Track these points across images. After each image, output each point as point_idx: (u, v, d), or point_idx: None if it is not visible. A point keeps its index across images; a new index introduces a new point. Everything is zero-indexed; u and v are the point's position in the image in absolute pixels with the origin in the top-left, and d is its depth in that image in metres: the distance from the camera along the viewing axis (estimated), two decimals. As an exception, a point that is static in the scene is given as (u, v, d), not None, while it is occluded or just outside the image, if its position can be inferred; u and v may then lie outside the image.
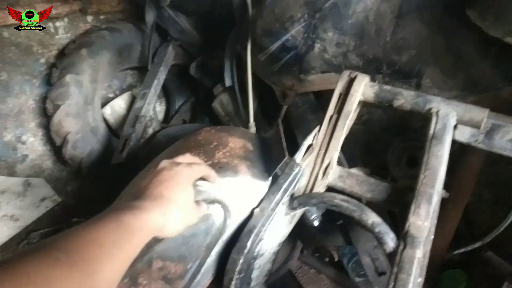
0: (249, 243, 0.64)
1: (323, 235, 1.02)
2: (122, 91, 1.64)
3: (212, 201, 0.66)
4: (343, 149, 0.71)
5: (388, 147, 0.95)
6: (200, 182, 0.64)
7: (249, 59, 1.09)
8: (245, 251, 0.64)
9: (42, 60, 1.39)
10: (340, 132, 0.69)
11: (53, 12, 1.34)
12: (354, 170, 0.69)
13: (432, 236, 0.58)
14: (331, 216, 0.98)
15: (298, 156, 0.69)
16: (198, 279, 0.67)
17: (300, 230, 0.85)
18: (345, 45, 0.92)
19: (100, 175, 1.36)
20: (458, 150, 0.92)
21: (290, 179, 0.67)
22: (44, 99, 1.32)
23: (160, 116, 1.76)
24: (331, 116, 0.71)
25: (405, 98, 0.66)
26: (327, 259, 1.20)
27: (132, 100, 1.52)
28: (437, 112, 0.62)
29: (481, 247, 0.85)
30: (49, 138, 1.36)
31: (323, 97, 1.09)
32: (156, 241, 0.61)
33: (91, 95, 1.36)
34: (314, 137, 0.71)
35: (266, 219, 0.66)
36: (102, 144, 1.38)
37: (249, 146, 0.77)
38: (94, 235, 0.42)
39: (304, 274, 1.26)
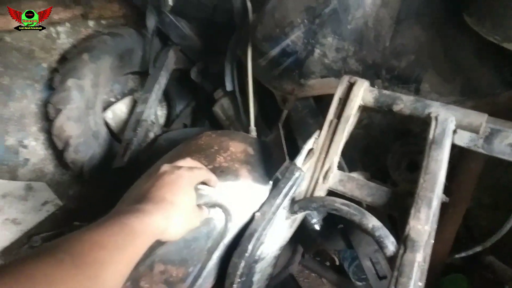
0: (250, 247, 0.64)
1: (324, 239, 1.02)
2: (124, 96, 1.64)
3: (213, 205, 0.67)
4: (343, 153, 0.72)
5: (388, 151, 0.96)
6: (201, 186, 0.65)
7: (250, 64, 1.09)
8: (246, 254, 0.64)
9: (44, 65, 1.40)
10: (340, 137, 0.70)
11: (55, 17, 1.36)
12: (354, 174, 0.70)
13: (433, 240, 0.58)
14: (332, 220, 0.98)
15: (299, 160, 0.69)
16: (200, 282, 0.67)
17: (301, 234, 0.85)
18: (344, 50, 0.93)
19: (102, 179, 1.36)
20: (458, 154, 0.93)
21: (290, 183, 0.67)
22: (46, 103, 1.33)
23: (161, 120, 1.76)
24: (331, 121, 0.71)
25: (405, 103, 0.67)
26: (328, 263, 1.20)
27: (134, 104, 1.53)
28: (436, 117, 0.63)
29: (482, 252, 0.86)
30: (51, 142, 1.36)
31: (323, 101, 1.09)
32: (158, 244, 0.61)
33: (92, 100, 1.36)
34: (314, 141, 0.72)
35: (267, 223, 0.66)
36: (104, 148, 1.38)
37: (250, 150, 0.78)
38: (97, 238, 0.42)
39: (305, 278, 1.26)
